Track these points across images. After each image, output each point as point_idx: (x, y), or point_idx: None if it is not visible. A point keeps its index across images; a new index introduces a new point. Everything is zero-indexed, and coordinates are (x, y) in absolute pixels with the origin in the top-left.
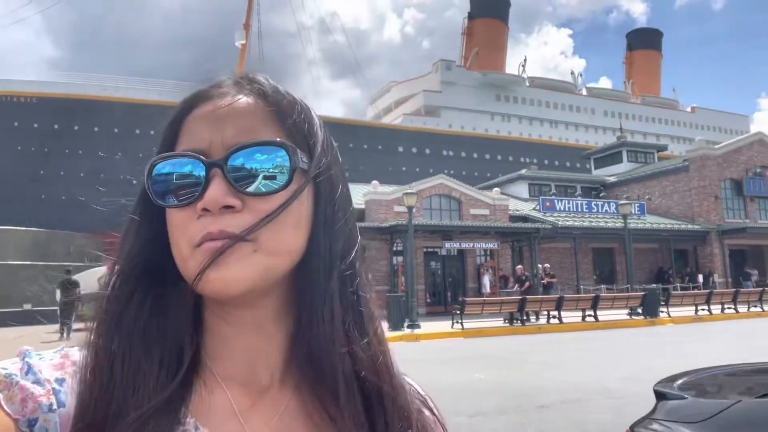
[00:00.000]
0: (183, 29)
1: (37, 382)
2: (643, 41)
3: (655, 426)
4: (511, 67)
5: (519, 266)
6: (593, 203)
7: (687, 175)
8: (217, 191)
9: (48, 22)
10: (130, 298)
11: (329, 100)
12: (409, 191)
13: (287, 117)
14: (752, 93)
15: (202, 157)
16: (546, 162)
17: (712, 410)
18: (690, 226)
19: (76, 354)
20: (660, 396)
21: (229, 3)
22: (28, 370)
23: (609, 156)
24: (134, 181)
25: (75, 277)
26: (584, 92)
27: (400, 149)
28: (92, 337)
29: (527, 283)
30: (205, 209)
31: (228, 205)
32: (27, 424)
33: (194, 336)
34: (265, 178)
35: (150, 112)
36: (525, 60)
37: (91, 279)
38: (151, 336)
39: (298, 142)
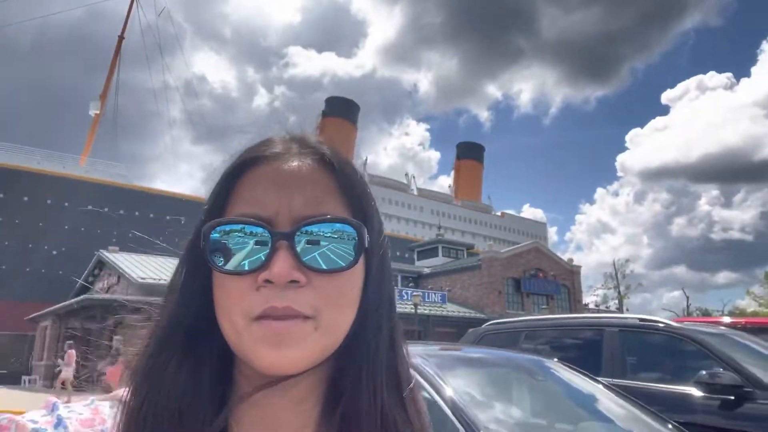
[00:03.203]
0: (34, 71)
1: None
2: (468, 153)
3: None
4: (367, 153)
5: None
6: (404, 291)
7: (480, 272)
8: (284, 265)
9: None
10: (168, 362)
11: (188, 163)
12: None
13: (352, 190)
14: (575, 198)
15: (269, 227)
16: None
17: None
18: (479, 315)
19: (107, 409)
20: None
21: (86, 46)
22: (59, 423)
23: (429, 250)
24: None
25: None
26: (415, 192)
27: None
28: (128, 397)
29: None
30: (267, 281)
31: (293, 280)
32: None
33: (224, 401)
34: (331, 255)
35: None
36: (366, 159)
37: None
38: (186, 402)
39: (359, 218)
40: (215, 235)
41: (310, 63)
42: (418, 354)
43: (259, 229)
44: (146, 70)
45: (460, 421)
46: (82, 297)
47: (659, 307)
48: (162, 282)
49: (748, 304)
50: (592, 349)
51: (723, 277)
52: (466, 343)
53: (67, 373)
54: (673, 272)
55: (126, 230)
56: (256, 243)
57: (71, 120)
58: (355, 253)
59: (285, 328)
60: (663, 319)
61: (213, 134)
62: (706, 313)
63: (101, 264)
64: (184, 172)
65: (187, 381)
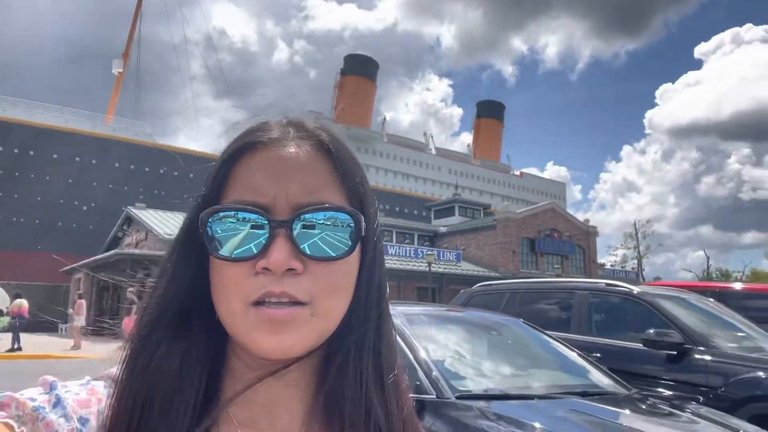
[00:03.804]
0: (55, 27)
1: (65, 417)
2: (489, 111)
3: None
4: (388, 109)
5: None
6: (419, 249)
7: (495, 232)
8: (282, 253)
9: None
10: (160, 342)
11: (210, 118)
12: None
13: (349, 178)
14: (600, 156)
15: (267, 214)
16: (396, 209)
17: None
18: (493, 274)
19: (102, 389)
20: None
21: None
22: (57, 402)
23: (445, 209)
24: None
25: None
26: (433, 151)
27: None
28: (119, 377)
29: None
30: (266, 268)
31: (290, 268)
32: None
33: (215, 378)
34: (328, 243)
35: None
36: (385, 119)
37: None
38: (175, 380)
39: (356, 205)
40: (213, 221)
41: (330, 15)
42: (399, 314)
43: (257, 217)
44: (166, 24)
45: (420, 366)
46: (113, 252)
47: (682, 267)
48: None
49: (766, 266)
50: (564, 309)
51: (750, 237)
52: (456, 304)
53: (79, 321)
54: (698, 232)
55: (152, 187)
56: (254, 230)
57: (91, 73)
58: (351, 242)
59: (282, 315)
60: (625, 284)
61: (234, 89)
62: (726, 275)
63: (129, 220)
64: (206, 127)
65: (179, 362)
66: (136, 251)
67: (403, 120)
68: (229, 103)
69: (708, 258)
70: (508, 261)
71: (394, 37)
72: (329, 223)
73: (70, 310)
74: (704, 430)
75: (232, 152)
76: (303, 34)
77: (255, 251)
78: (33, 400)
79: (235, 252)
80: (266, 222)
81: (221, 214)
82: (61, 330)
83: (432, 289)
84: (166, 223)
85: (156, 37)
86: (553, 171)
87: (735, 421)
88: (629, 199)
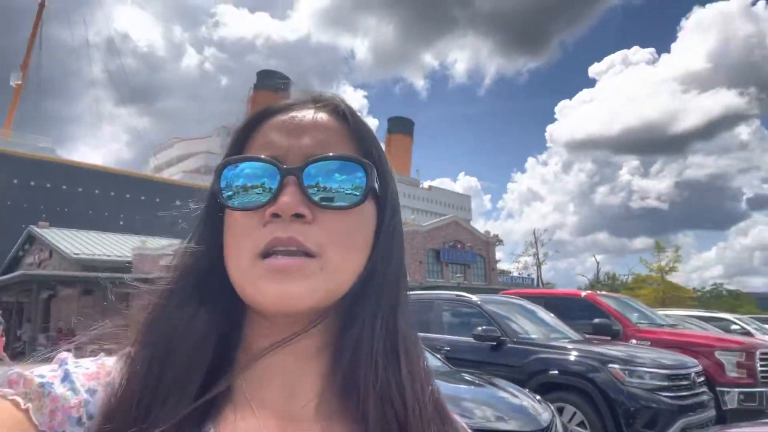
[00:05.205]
0: None
1: (72, 390)
2: (399, 127)
3: None
4: None
5: None
6: None
7: None
8: (290, 198)
9: None
10: (179, 309)
11: (113, 125)
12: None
13: (362, 139)
14: (508, 167)
15: (278, 162)
16: None
17: None
18: None
19: (112, 363)
20: None
21: None
22: (65, 377)
23: None
24: None
25: None
26: None
27: (178, 203)
28: (133, 346)
29: None
30: (275, 215)
31: (299, 214)
32: None
33: (233, 354)
34: (339, 193)
35: None
36: None
37: None
38: (191, 350)
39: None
40: (227, 174)
41: (241, 23)
42: None
43: (268, 166)
44: (65, 25)
45: None
46: (19, 273)
47: (578, 272)
48: (97, 257)
49: (641, 270)
50: (426, 315)
51: (640, 242)
52: None
53: None
54: (596, 238)
55: (54, 205)
56: (266, 179)
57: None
58: (362, 193)
59: (289, 263)
60: (469, 296)
61: (138, 95)
62: (613, 278)
63: (31, 239)
64: (109, 135)
65: (199, 333)
66: (42, 272)
67: None
68: (133, 109)
69: (598, 264)
70: (416, 271)
71: (308, 48)
72: (341, 173)
73: None
74: (485, 388)
75: (251, 119)
76: (213, 40)
77: (265, 199)
78: (42, 377)
79: (246, 201)
80: (276, 170)
81: (236, 165)
82: None
83: None
84: (73, 242)
85: (54, 40)
86: (464, 181)
87: (515, 391)
88: (534, 208)
